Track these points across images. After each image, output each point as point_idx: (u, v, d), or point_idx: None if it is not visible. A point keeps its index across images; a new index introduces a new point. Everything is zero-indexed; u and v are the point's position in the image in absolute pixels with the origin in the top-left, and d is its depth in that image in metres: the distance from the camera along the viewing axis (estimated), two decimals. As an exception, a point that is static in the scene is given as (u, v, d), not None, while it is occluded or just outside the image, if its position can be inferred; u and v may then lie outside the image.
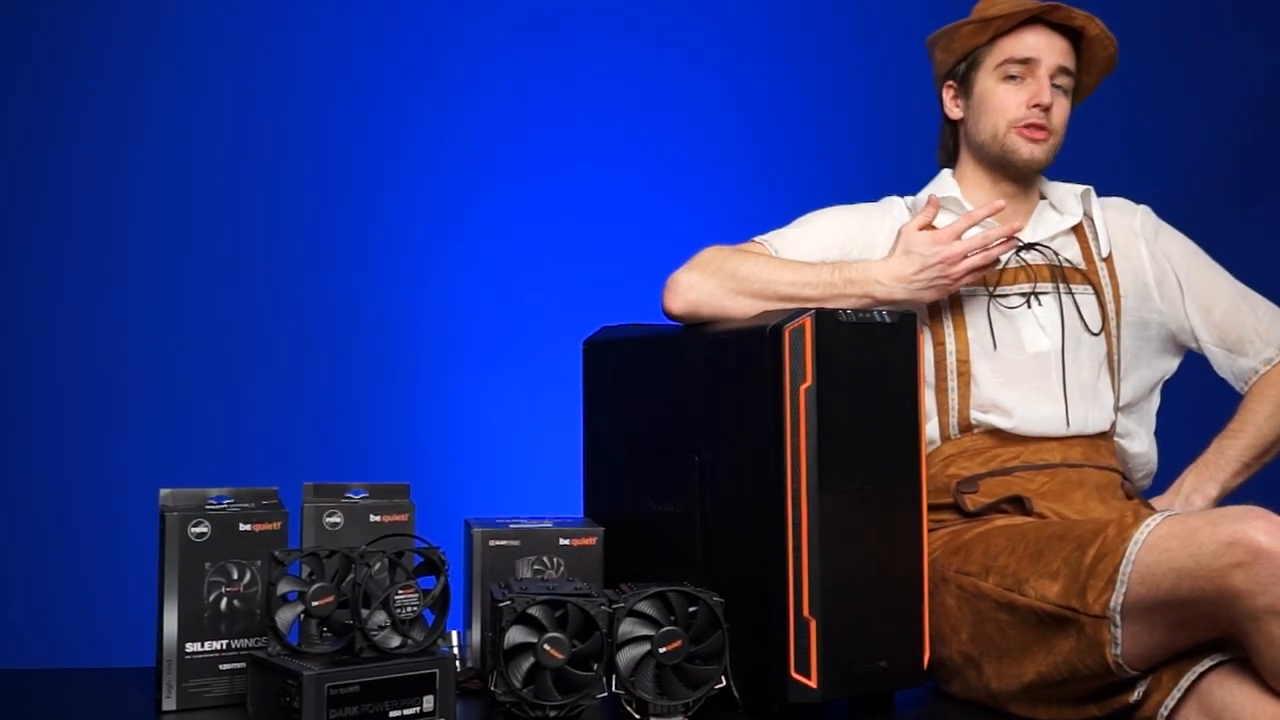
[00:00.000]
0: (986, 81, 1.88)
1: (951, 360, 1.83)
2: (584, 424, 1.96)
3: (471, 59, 2.83)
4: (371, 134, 2.72)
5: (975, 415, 1.83)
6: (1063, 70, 1.85)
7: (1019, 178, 1.90)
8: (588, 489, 1.95)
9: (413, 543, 1.58)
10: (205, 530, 1.58)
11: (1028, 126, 1.84)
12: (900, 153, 2.70)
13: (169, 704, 1.55)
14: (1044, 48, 1.84)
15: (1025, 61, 1.85)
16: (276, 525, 1.63)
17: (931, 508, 1.71)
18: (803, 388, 1.54)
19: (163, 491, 1.62)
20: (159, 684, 1.56)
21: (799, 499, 1.53)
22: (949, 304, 1.85)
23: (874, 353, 1.60)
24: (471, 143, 2.82)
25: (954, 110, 1.95)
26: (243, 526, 1.60)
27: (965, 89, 1.92)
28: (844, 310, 1.59)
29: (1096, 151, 2.79)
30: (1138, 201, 2.01)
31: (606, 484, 1.90)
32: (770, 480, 1.54)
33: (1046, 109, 1.84)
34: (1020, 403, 1.82)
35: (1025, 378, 1.84)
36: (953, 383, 1.83)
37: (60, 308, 2.43)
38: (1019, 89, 1.85)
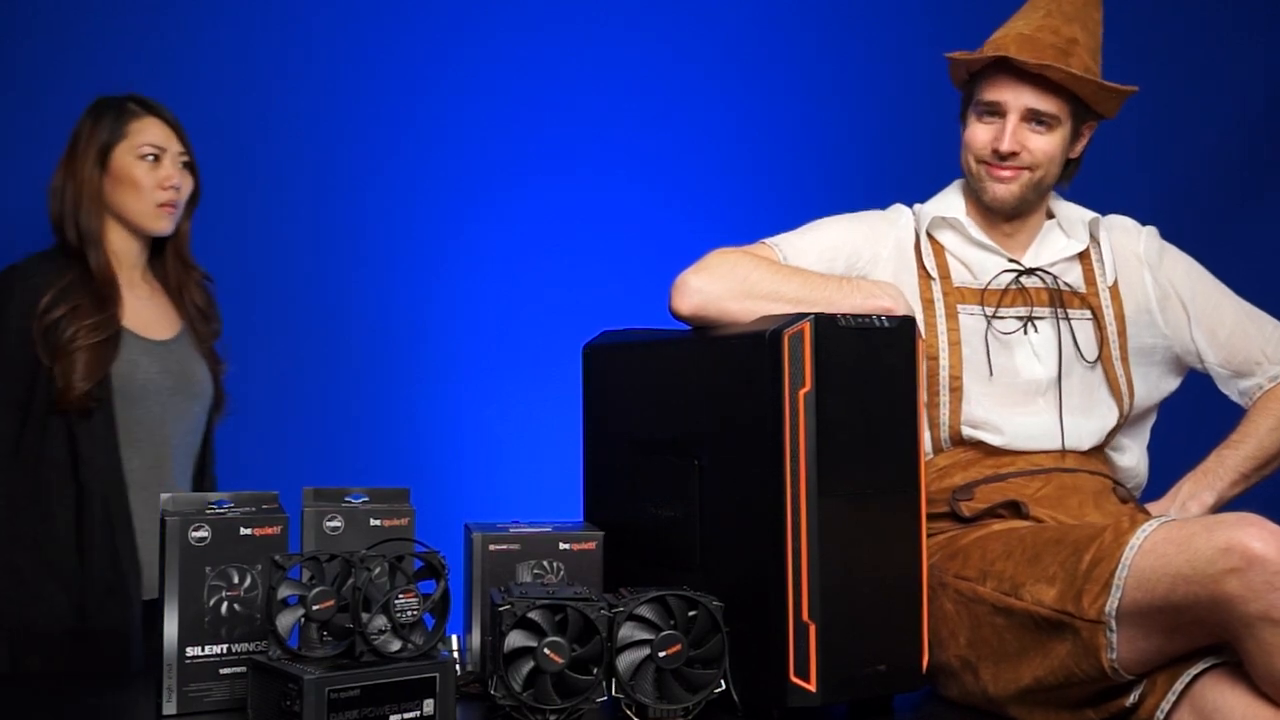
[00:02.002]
0: (970, 117, 1.92)
1: (944, 375, 1.83)
2: (584, 428, 1.96)
3: (471, 63, 2.83)
4: (371, 138, 2.72)
5: (966, 430, 1.83)
6: (1034, 112, 1.85)
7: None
8: (587, 493, 1.95)
9: (413, 547, 1.59)
10: (206, 535, 1.58)
11: (992, 165, 1.87)
12: (901, 157, 2.71)
13: (169, 708, 1.55)
14: (1009, 93, 1.85)
15: (993, 104, 1.87)
16: (277, 530, 1.63)
17: (928, 516, 1.72)
18: (802, 392, 1.54)
19: (163, 496, 1.62)
20: (159, 688, 1.56)
21: (798, 503, 1.53)
22: (945, 319, 1.85)
23: (873, 357, 1.60)
24: (471, 147, 2.82)
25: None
26: (243, 531, 1.61)
27: (963, 121, 1.95)
28: (843, 315, 1.60)
29: (1099, 154, 2.79)
30: (1142, 207, 2.02)
31: (606, 488, 1.90)
32: (769, 485, 1.54)
33: (1007, 155, 1.85)
34: (1012, 421, 1.83)
35: (1018, 401, 1.85)
36: (944, 397, 1.83)
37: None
38: (988, 128, 1.88)
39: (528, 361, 2.79)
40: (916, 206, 1.98)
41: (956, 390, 1.83)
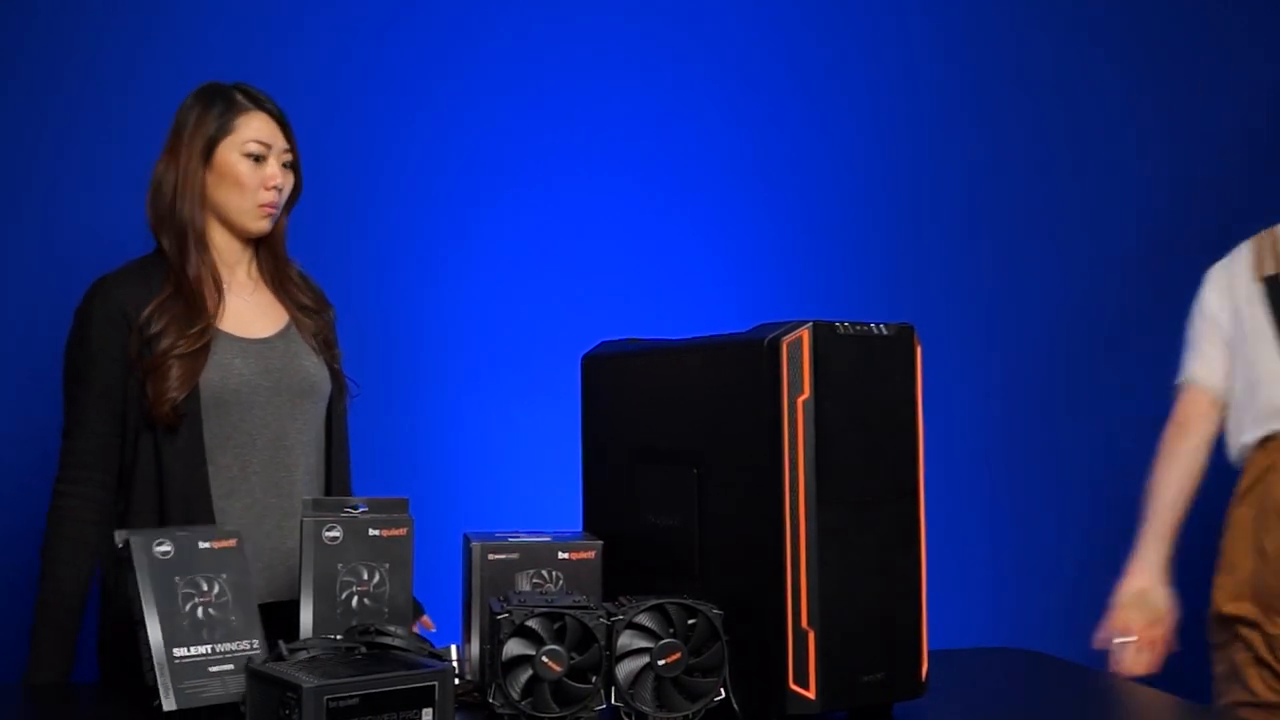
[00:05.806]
0: None
1: None
2: (583, 438, 1.96)
3: (469, 68, 2.84)
4: (369, 143, 2.72)
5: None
6: None
7: None
8: (587, 502, 1.95)
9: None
10: (169, 549, 1.60)
11: None
12: (903, 161, 2.71)
13: (168, 704, 1.55)
14: None
15: None
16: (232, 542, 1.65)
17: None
18: (800, 400, 1.54)
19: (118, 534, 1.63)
20: (156, 687, 1.56)
21: (797, 511, 1.53)
22: None
23: (872, 365, 1.61)
24: (470, 155, 2.83)
25: None
26: (202, 545, 1.63)
27: None
28: (841, 322, 1.60)
29: (1101, 154, 2.79)
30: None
31: (605, 497, 1.90)
32: (768, 492, 1.54)
33: None
34: None
35: None
36: None
37: (58, 311, 2.43)
38: None
39: (527, 371, 2.79)
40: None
41: None
